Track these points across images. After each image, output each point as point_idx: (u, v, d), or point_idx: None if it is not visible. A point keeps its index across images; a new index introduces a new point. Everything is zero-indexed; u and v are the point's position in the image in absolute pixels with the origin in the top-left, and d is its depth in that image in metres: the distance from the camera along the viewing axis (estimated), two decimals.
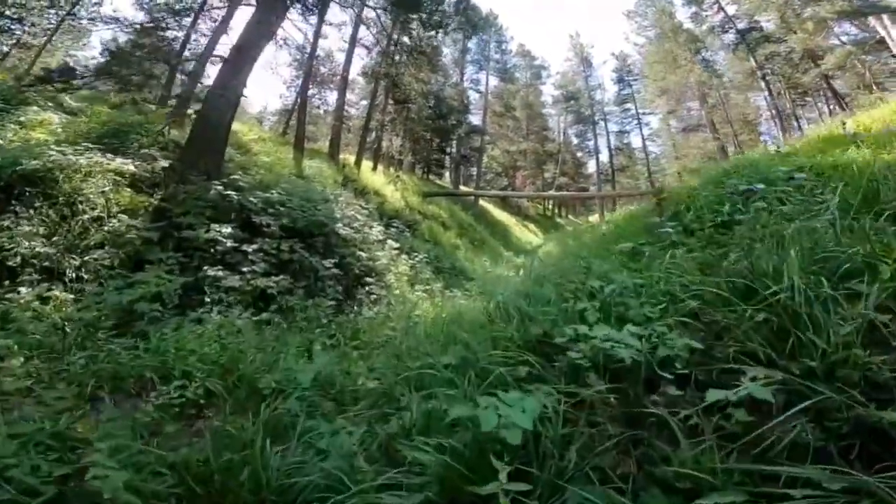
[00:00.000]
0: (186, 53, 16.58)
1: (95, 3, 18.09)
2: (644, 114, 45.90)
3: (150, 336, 3.87)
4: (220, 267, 5.40)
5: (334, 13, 22.68)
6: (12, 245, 4.61)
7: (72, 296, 4.38)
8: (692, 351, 1.92)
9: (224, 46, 13.98)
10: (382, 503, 1.66)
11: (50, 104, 8.53)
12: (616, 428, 1.82)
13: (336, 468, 1.93)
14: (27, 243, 4.65)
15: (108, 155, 6.23)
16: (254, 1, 9.82)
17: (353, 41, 20.45)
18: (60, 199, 5.38)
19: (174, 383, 3.40)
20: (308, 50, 20.36)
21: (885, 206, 2.78)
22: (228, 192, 6.32)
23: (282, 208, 6.90)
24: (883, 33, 18.99)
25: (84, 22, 19.00)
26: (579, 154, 53.40)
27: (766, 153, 7.37)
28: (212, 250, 5.61)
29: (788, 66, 28.56)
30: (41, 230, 4.97)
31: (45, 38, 19.05)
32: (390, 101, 24.19)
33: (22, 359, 3.26)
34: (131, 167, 6.17)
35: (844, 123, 8.16)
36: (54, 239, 4.94)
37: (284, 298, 5.90)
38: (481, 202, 31.59)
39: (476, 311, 6.20)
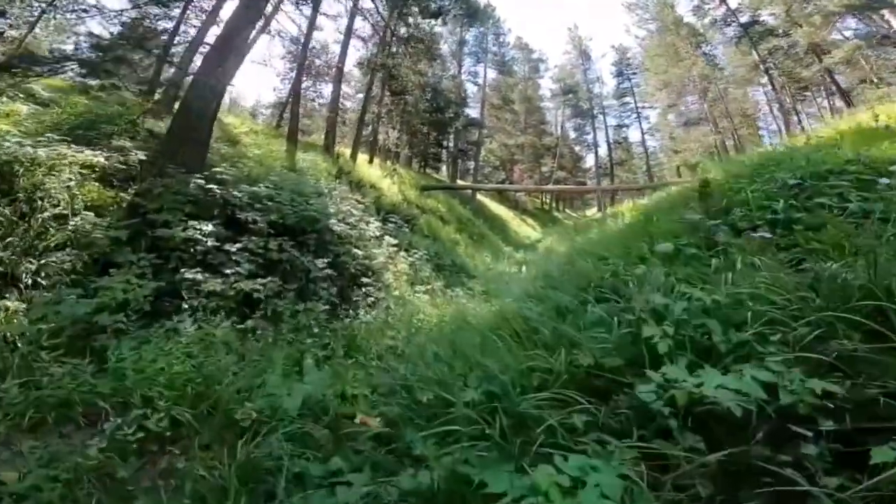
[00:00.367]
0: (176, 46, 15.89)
1: None
2: (644, 107, 45.39)
3: (110, 353, 3.32)
4: (198, 269, 4.83)
5: (329, 3, 22.09)
6: None
7: (24, 305, 3.81)
8: (823, 395, 1.39)
9: (214, 38, 13.36)
10: None
11: (20, 95, 7.89)
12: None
13: None
14: None
15: (75, 146, 5.63)
16: None
17: (349, 32, 19.77)
18: (20, 195, 4.80)
19: (133, 412, 2.85)
20: (302, 41, 19.70)
21: None
22: (210, 186, 5.74)
23: (270, 203, 6.32)
24: None
25: (68, 15, 18.21)
26: (577, 148, 53.04)
27: (798, 146, 6.80)
28: (190, 250, 5.04)
29: (791, 60, 28.10)
30: None
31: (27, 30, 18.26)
32: (387, 93, 23.51)
33: None
34: (101, 159, 5.57)
35: (878, 116, 7.64)
36: (9, 240, 4.36)
37: (272, 303, 5.33)
38: (479, 196, 31.02)
39: (484, 317, 5.68)
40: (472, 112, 39.40)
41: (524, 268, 14.24)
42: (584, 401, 1.82)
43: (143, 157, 6.19)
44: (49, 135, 5.75)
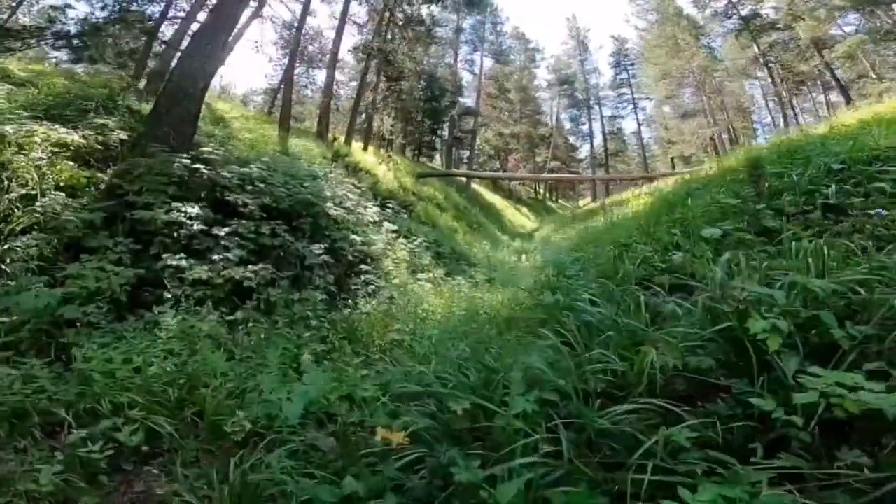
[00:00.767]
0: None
1: None
2: (640, 98, 45.12)
3: (75, 351, 2.86)
4: (182, 255, 4.36)
5: None
6: None
7: None
8: None
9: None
10: None
11: None
12: None
13: None
14: None
15: (47, 123, 5.11)
16: None
17: (344, 16, 19.14)
18: None
19: (102, 423, 2.41)
20: (296, 25, 19.02)
21: None
22: (197, 166, 5.24)
23: (262, 185, 5.83)
24: None
25: None
26: (572, 138, 52.89)
27: (822, 134, 6.42)
28: (174, 234, 4.56)
29: (789, 54, 27.85)
30: None
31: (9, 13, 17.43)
32: (382, 79, 22.86)
33: None
34: (76, 137, 5.06)
35: None
36: None
37: (266, 292, 4.88)
38: (473, 185, 30.55)
39: (496, 307, 5.27)
40: (468, 101, 38.93)
41: (524, 256, 13.87)
42: (678, 410, 1.42)
43: (125, 137, 5.69)
44: (19, 111, 5.23)
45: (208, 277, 4.43)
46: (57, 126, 5.14)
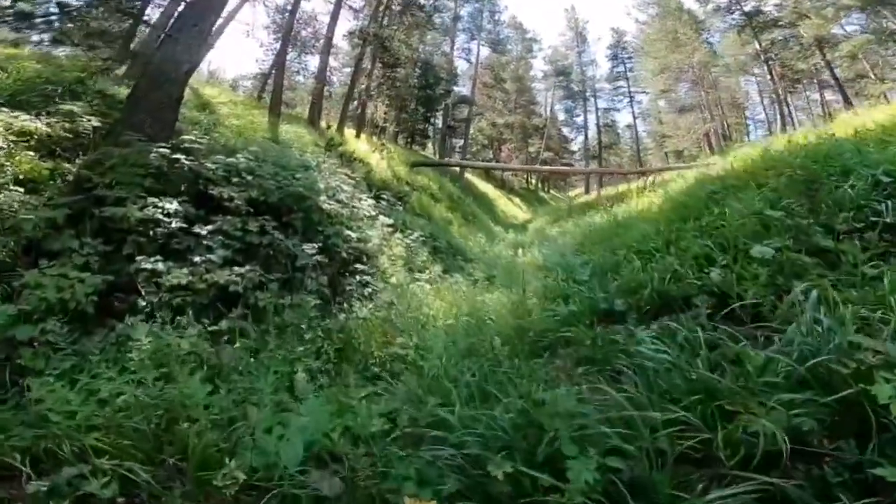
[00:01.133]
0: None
1: None
2: (637, 92, 44.85)
3: (32, 381, 2.43)
4: (159, 257, 3.91)
5: None
6: None
7: None
8: None
9: None
10: None
11: None
12: None
13: None
14: None
15: (6, 110, 4.60)
16: None
17: (340, 0, 18.45)
18: None
19: (65, 471, 2.00)
20: (290, 8, 18.30)
21: None
22: (177, 157, 4.75)
23: (250, 177, 5.35)
24: None
25: None
26: (565, 130, 52.71)
27: (853, 136, 6.05)
28: (150, 233, 4.09)
29: (789, 51, 27.63)
30: None
31: None
32: (378, 66, 22.21)
33: None
34: (39, 125, 4.55)
35: None
36: None
37: (253, 296, 4.45)
38: (466, 174, 30.09)
39: (504, 316, 4.88)
40: (463, 89, 38.47)
41: (521, 251, 13.45)
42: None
43: (97, 124, 5.17)
44: None
45: (188, 282, 3.99)
46: (18, 113, 4.62)
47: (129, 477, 2.05)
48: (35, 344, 2.83)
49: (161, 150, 4.62)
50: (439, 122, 36.15)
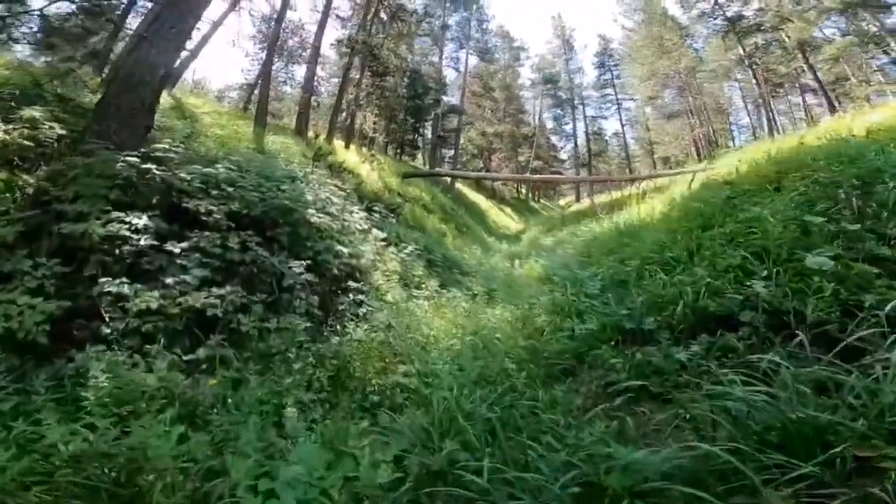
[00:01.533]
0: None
1: None
2: (624, 99, 45.19)
3: None
4: (125, 279, 3.45)
5: None
6: None
7: None
8: None
9: None
10: None
11: None
12: None
13: None
14: None
15: None
16: None
17: (328, 9, 18.18)
18: None
19: None
20: (276, 17, 17.97)
21: None
22: (148, 167, 4.30)
23: (230, 188, 4.90)
24: None
25: None
26: (554, 138, 52.85)
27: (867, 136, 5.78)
28: (115, 252, 3.64)
29: (771, 56, 27.92)
30: None
31: None
32: (367, 75, 21.90)
33: None
34: None
35: None
36: None
37: (235, 320, 4.00)
38: (457, 185, 29.81)
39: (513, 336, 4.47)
40: (453, 99, 38.42)
41: (518, 262, 13.07)
42: None
43: (63, 132, 4.71)
44: None
45: (160, 305, 3.53)
46: None
47: None
48: None
49: (129, 158, 4.17)
50: (429, 133, 35.90)
